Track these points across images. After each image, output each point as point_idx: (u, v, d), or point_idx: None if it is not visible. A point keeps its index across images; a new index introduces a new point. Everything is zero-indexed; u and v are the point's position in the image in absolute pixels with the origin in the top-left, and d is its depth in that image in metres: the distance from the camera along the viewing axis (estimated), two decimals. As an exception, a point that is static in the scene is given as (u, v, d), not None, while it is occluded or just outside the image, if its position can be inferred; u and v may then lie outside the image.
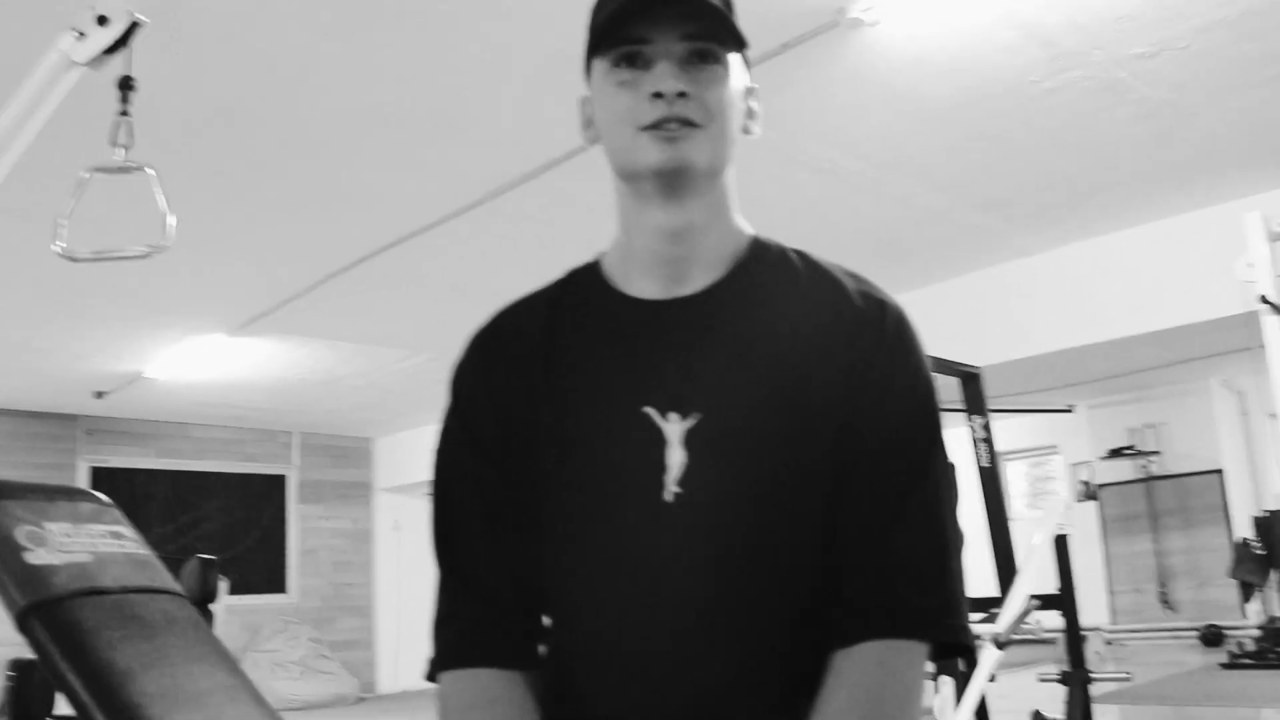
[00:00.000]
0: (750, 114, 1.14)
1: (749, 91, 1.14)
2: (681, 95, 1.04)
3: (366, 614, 10.99)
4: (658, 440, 1.06)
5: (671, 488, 1.05)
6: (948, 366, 5.57)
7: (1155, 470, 10.33)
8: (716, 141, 1.07)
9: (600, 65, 1.09)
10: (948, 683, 4.76)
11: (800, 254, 1.16)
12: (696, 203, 1.08)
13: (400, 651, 10.90)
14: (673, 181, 1.06)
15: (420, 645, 10.99)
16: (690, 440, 1.05)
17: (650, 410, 1.07)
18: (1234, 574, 8.85)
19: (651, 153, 1.04)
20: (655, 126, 1.04)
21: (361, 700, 10.07)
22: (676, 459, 1.05)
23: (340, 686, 9.78)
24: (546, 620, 1.13)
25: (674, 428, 1.06)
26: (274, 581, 10.41)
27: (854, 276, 1.13)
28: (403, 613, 10.91)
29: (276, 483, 10.65)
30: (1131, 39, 3.92)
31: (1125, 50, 4.00)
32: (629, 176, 1.09)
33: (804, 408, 1.06)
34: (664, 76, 1.04)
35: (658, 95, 1.04)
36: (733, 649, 1.04)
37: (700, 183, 1.07)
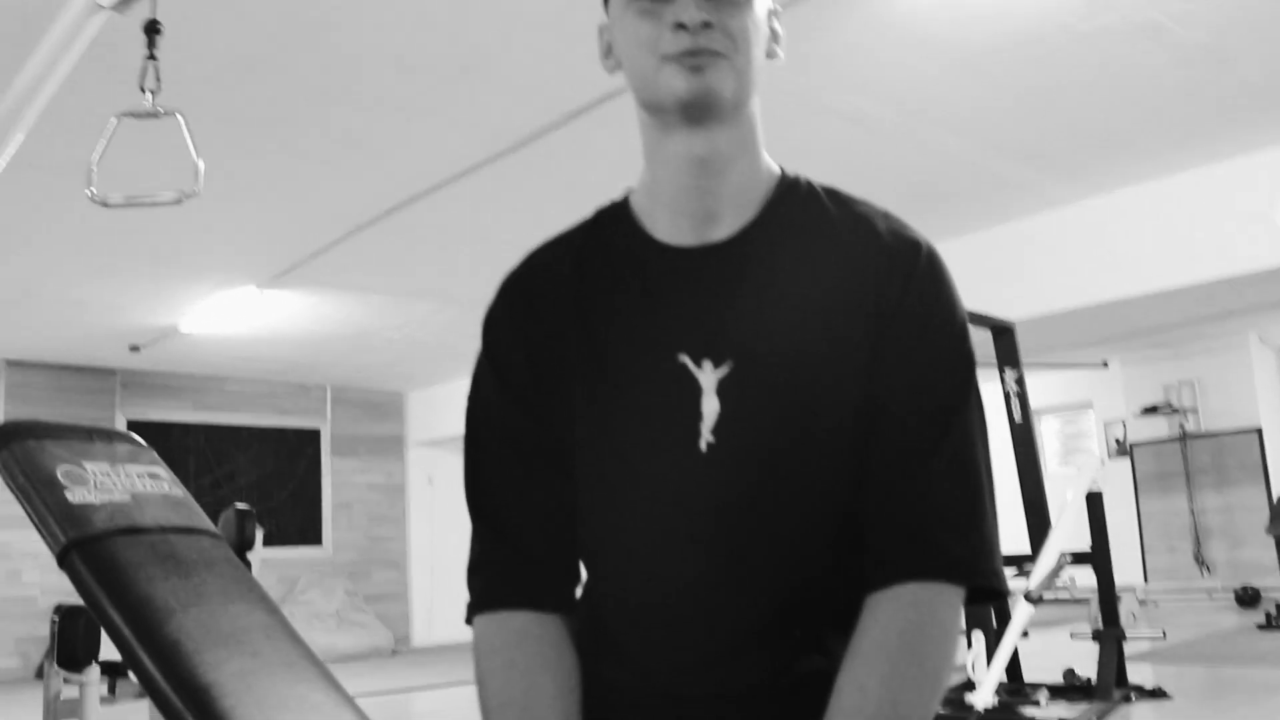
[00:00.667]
0: (775, 37, 1.12)
1: (772, 13, 1.12)
2: (705, 25, 1.02)
3: (401, 567, 11.13)
4: (693, 388, 1.06)
5: (706, 436, 1.05)
6: (980, 319, 5.54)
7: (1191, 428, 10.24)
8: (742, 71, 1.05)
9: None
10: (980, 637, 4.77)
11: (830, 192, 1.14)
12: (722, 131, 1.07)
13: (434, 604, 11.04)
14: (698, 112, 1.04)
15: (454, 598, 11.05)
16: (724, 388, 1.05)
17: (685, 358, 1.07)
18: (1271, 531, 8.78)
19: (676, 83, 1.03)
20: (679, 57, 1.02)
21: (396, 652, 10.22)
22: (711, 407, 1.05)
23: (375, 638, 9.93)
24: (580, 564, 1.14)
25: (708, 376, 1.06)
26: (309, 534, 10.55)
27: (885, 216, 1.12)
28: (436, 566, 11.04)
29: (310, 436, 10.76)
30: (1172, -18, 3.85)
31: (1165, -7, 3.92)
32: (653, 107, 1.07)
33: (836, 351, 1.05)
34: (686, 6, 1.02)
35: (681, 26, 1.02)
36: (765, 593, 1.05)
37: (726, 112, 1.06)
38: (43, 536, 1.97)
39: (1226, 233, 5.78)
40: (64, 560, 1.91)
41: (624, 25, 1.07)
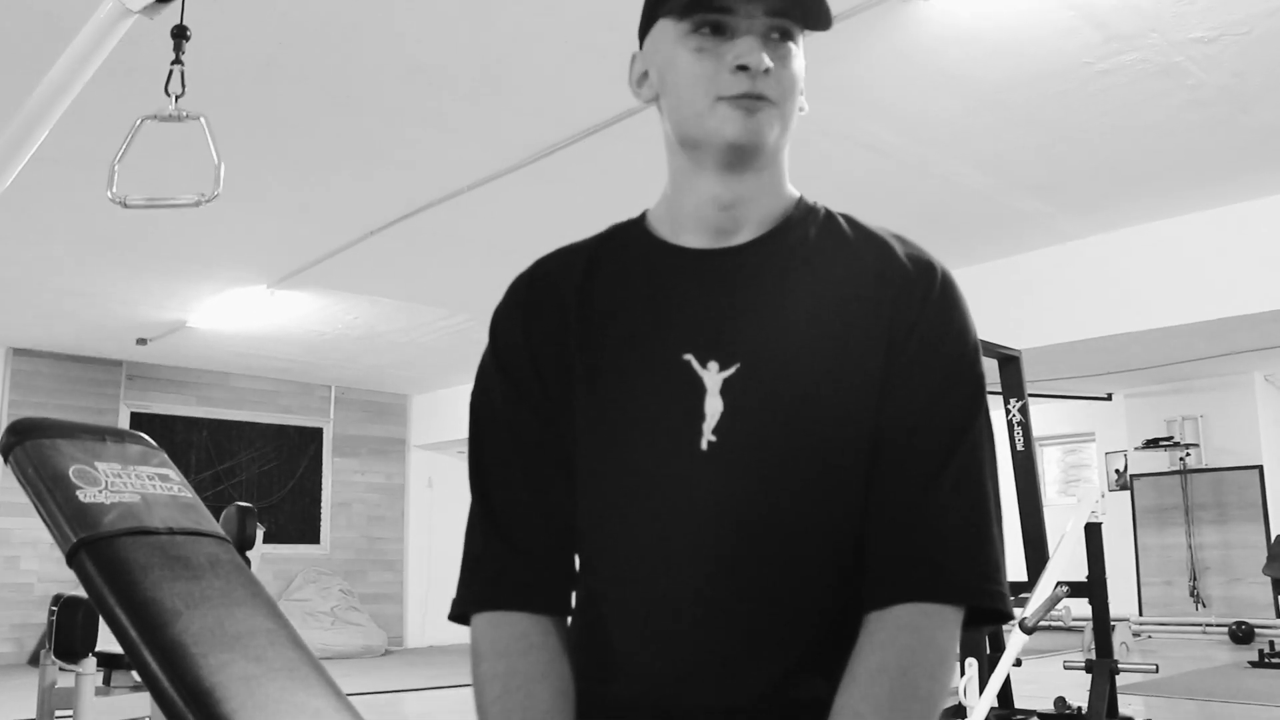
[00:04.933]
0: (801, 90, 1.13)
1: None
2: (766, 71, 1.03)
3: (397, 568, 11.13)
4: (696, 388, 1.06)
5: (708, 436, 1.05)
6: (987, 348, 5.55)
7: (1192, 463, 10.22)
8: (785, 120, 1.07)
9: (673, 26, 1.08)
10: (973, 664, 4.77)
11: (847, 217, 1.16)
12: (753, 177, 1.09)
13: (429, 606, 11.04)
14: (742, 156, 1.06)
15: (449, 601, 11.16)
16: (728, 390, 1.05)
17: (690, 358, 1.07)
18: (1268, 571, 8.76)
19: (729, 125, 1.04)
20: (738, 99, 1.03)
21: (389, 653, 10.21)
22: (714, 407, 1.05)
23: (369, 638, 9.92)
24: (578, 564, 1.15)
25: (713, 377, 1.06)
26: (307, 532, 10.56)
27: (901, 239, 1.13)
28: (433, 569, 11.03)
29: (313, 435, 10.77)
30: (1190, 23, 3.87)
31: (1184, 34, 3.94)
32: (693, 144, 1.08)
33: (845, 363, 1.06)
34: (752, 50, 1.02)
35: (742, 68, 1.03)
36: (762, 601, 1.04)
37: (763, 159, 1.08)
38: (52, 534, 1.99)
39: (1236, 273, 5.79)
40: (73, 559, 1.93)
41: (676, 60, 1.07)
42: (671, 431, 1.06)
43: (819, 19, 1.07)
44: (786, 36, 1.06)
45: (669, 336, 1.08)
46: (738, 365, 1.06)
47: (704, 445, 1.05)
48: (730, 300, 1.08)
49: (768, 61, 1.03)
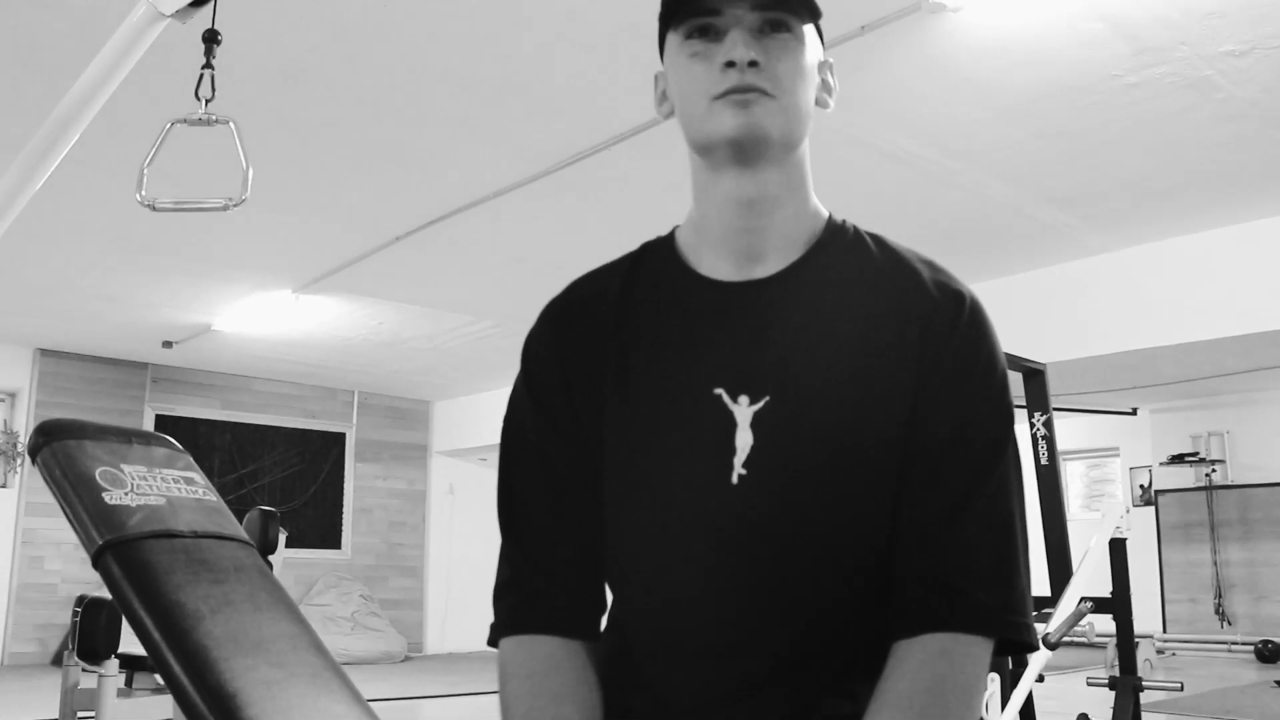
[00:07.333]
0: (825, 87, 1.14)
1: (824, 65, 1.14)
2: (753, 64, 1.04)
3: (418, 574, 11.14)
4: (727, 422, 1.06)
5: (738, 470, 1.05)
6: (1012, 361, 5.51)
7: (1218, 479, 10.13)
8: (789, 112, 1.06)
9: (673, 39, 1.10)
10: (995, 680, 4.73)
11: (876, 238, 1.15)
12: (770, 172, 1.08)
13: (449, 613, 11.04)
14: (747, 149, 1.06)
15: (469, 607, 10.99)
16: (758, 423, 1.06)
17: (721, 392, 1.07)
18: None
19: (725, 120, 1.04)
20: (727, 95, 1.04)
21: (408, 659, 10.22)
22: (744, 441, 1.06)
23: (389, 644, 9.93)
24: (608, 591, 1.15)
25: (743, 410, 1.06)
26: (329, 537, 10.58)
27: (930, 264, 1.12)
28: (453, 575, 11.04)
29: (335, 440, 10.81)
30: (1221, 36, 3.84)
31: (1214, 48, 3.92)
32: (703, 148, 1.09)
33: (874, 393, 1.06)
34: (735, 45, 1.04)
35: (730, 64, 1.04)
36: (788, 627, 1.05)
37: (774, 151, 1.07)
38: (78, 536, 2.00)
39: (1263, 288, 5.74)
40: (98, 561, 1.94)
41: (677, 69, 1.10)
42: (703, 465, 1.07)
43: (806, 10, 1.08)
44: (783, 29, 1.07)
45: (701, 371, 1.09)
46: (767, 399, 1.06)
47: (734, 479, 1.05)
48: (760, 334, 1.09)
49: (751, 54, 1.04)
